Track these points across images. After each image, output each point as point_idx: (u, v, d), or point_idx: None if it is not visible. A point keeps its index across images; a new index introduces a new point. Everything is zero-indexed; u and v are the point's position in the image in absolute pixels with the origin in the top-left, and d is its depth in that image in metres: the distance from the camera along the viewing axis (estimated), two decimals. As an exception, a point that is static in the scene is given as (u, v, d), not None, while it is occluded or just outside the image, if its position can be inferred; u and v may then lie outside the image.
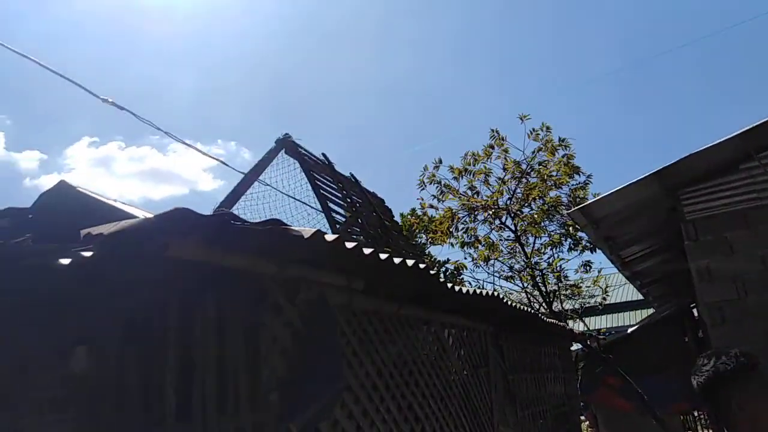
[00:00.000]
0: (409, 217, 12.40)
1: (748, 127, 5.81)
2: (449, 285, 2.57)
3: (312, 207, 4.57)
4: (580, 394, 9.14)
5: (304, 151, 4.93)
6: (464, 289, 2.71)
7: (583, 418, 9.69)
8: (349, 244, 1.78)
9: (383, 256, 1.95)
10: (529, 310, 4.09)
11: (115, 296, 2.09)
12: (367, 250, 1.87)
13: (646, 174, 6.25)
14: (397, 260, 2.04)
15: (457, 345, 3.78)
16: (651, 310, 12.04)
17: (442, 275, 11.74)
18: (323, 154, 5.29)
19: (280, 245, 1.72)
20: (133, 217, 2.04)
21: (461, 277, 11.60)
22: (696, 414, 9.93)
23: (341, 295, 2.39)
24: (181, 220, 1.64)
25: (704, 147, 5.91)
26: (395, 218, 5.30)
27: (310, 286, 2.17)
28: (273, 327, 2.07)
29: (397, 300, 2.86)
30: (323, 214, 4.44)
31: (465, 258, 11.61)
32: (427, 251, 12.22)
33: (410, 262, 2.13)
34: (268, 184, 4.80)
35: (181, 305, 2.08)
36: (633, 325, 10.46)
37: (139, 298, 2.11)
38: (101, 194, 3.49)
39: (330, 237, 1.71)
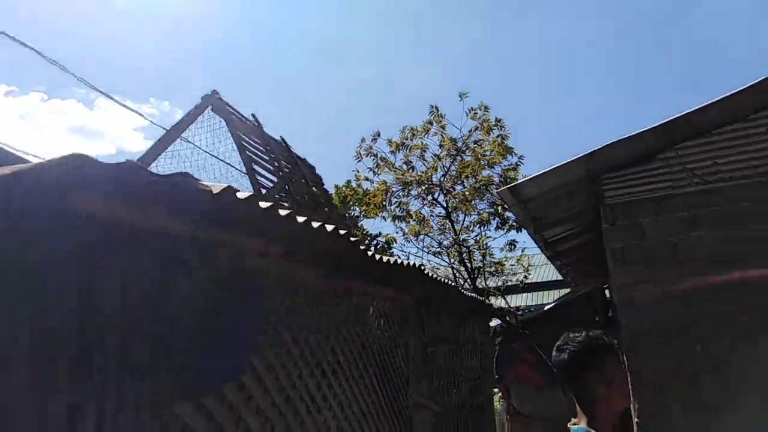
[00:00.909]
0: (344, 188, 12.32)
1: (669, 119, 6.08)
2: (370, 253, 2.54)
3: (237, 169, 4.40)
4: (495, 368, 9.54)
5: (231, 110, 4.71)
6: (385, 259, 2.70)
7: (496, 390, 10.14)
8: (264, 204, 1.70)
9: (301, 219, 1.88)
10: (451, 283, 4.15)
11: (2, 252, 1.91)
12: (283, 212, 1.80)
13: (573, 158, 6.45)
14: (315, 224, 1.98)
15: (378, 315, 3.79)
16: (569, 290, 12.65)
17: (373, 248, 11.82)
18: (252, 115, 5.09)
19: (190, 201, 1.61)
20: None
21: (392, 250, 11.71)
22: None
23: (259, 260, 2.31)
24: (79, 168, 1.49)
25: (627, 135, 6.15)
26: (325, 186, 5.20)
27: (225, 249, 2.07)
28: (183, 289, 1.97)
29: (318, 267, 2.81)
30: (249, 178, 4.28)
31: (396, 232, 11.73)
32: (360, 224, 12.23)
33: (330, 227, 2.07)
34: (191, 142, 4.55)
35: (79, 264, 1.93)
36: (550, 303, 10.96)
37: (32, 254, 1.94)
38: (8, 145, 3.19)
39: (243, 195, 1.63)
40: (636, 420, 6.09)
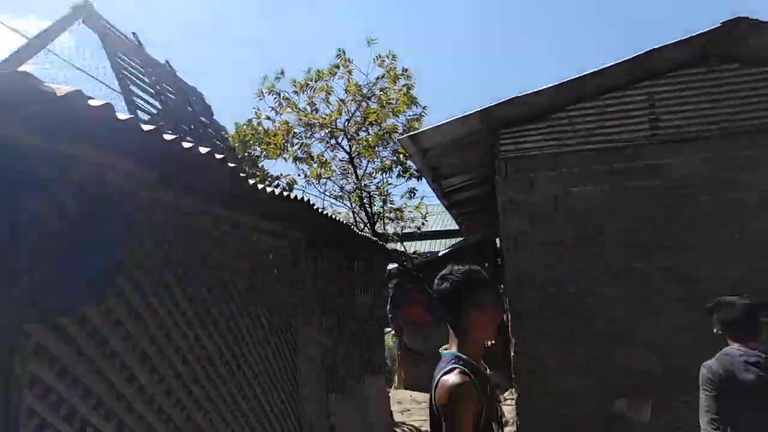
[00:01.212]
0: (244, 127, 11.88)
1: (564, 80, 6.38)
2: (252, 182, 2.45)
3: (112, 89, 4.00)
4: (390, 308, 9.95)
5: (108, 25, 4.23)
6: (269, 189, 2.61)
7: (389, 329, 10.59)
8: (122, 116, 1.57)
9: (169, 137, 1.77)
10: (343, 220, 4.17)
11: None
12: (147, 127, 1.67)
13: (472, 111, 6.63)
14: (187, 144, 1.87)
15: (266, 249, 3.76)
16: (463, 239, 13.25)
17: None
18: (133, 33, 4.63)
19: (29, 104, 1.44)
20: None
21: (293, 192, 11.57)
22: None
23: (130, 183, 2.17)
24: None
25: (524, 93, 6.40)
26: (216, 117, 4.93)
27: (86, 167, 1.92)
28: (35, 206, 1.81)
29: (199, 196, 2.71)
30: (125, 100, 3.90)
31: (298, 174, 11.60)
32: (261, 164, 11.92)
33: (204, 150, 1.97)
34: (57, 55, 4.05)
35: None
36: (445, 250, 11.45)
37: None
38: None
39: (96, 102, 1.49)
40: (513, 353, 6.64)
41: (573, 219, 6.60)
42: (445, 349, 2.08)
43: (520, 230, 6.79)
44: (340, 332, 5.43)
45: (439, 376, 1.90)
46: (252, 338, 3.42)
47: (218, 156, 2.04)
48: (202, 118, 4.70)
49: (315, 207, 3.35)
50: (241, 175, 2.28)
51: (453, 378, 1.84)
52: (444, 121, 6.75)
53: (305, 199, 3.12)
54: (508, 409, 7.24)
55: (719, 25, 5.77)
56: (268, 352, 3.65)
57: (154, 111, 4.09)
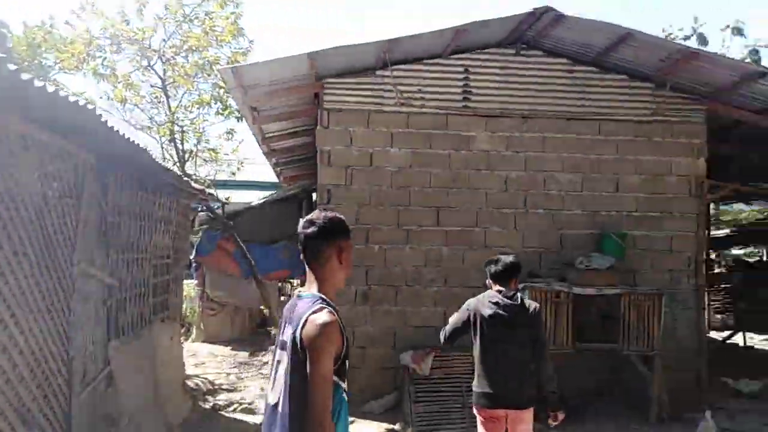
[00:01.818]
0: (36, 29, 10.01)
1: (392, 37, 6.45)
2: (14, 68, 1.91)
3: None
4: (195, 255, 9.39)
5: None
6: (40, 84, 2.06)
7: (192, 280, 10.03)
8: None
9: None
10: (140, 145, 3.68)
11: None
12: None
13: (300, 53, 6.38)
14: None
15: (40, 166, 3.16)
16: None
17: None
18: None
19: None
20: None
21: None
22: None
23: None
24: None
25: (353, 44, 6.32)
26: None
27: None
28: None
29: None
30: None
31: (101, 97, 10.15)
32: (53, 77, 10.21)
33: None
34: None
35: None
36: (260, 200, 11.15)
37: None
38: None
39: None
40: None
41: (383, 177, 6.87)
42: (301, 292, 2.15)
43: (335, 183, 6.87)
44: (130, 273, 4.92)
45: (307, 314, 1.95)
46: (13, 274, 2.88)
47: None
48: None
49: (106, 121, 2.86)
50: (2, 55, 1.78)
51: (323, 316, 1.91)
52: (270, 59, 6.42)
53: (93, 107, 2.62)
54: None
55: (529, 11, 6.25)
56: (33, 289, 3.12)
57: None
